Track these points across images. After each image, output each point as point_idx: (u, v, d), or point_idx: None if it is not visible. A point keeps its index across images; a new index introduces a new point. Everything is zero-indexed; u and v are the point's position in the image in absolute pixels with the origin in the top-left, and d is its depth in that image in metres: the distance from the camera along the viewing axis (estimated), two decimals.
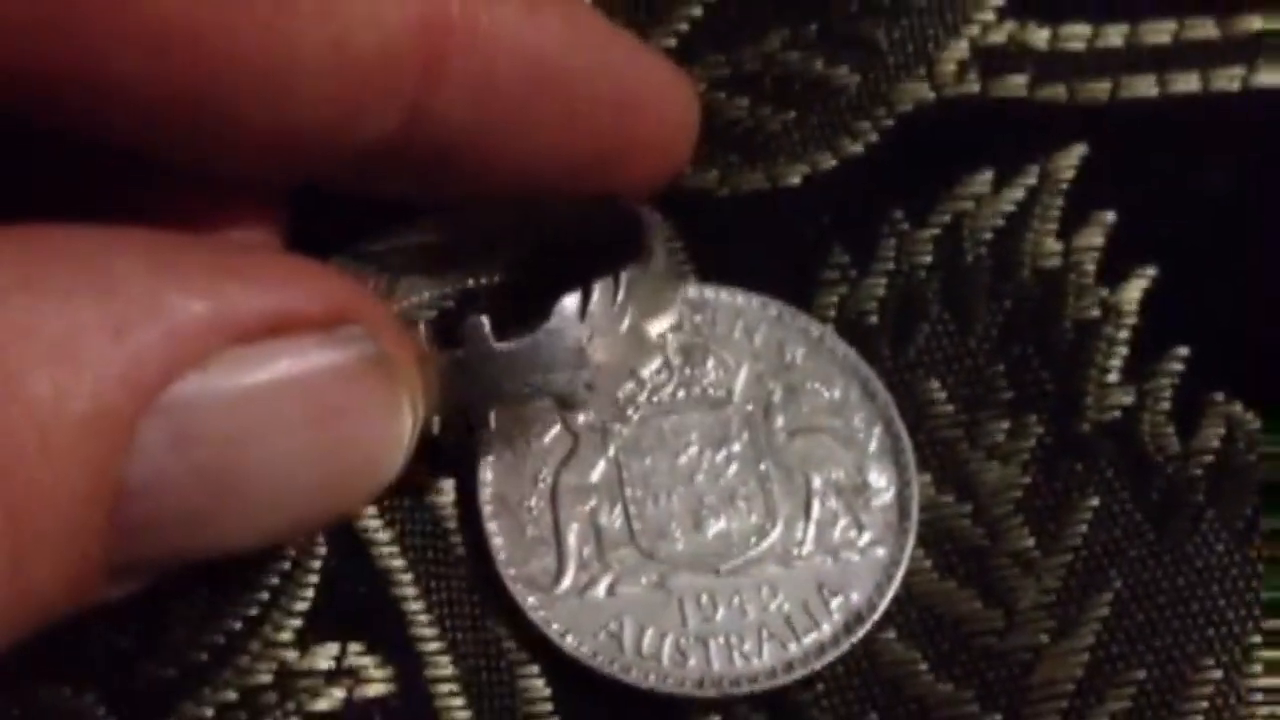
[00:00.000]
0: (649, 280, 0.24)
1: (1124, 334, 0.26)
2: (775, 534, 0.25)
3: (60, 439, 0.18)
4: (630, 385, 0.26)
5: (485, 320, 0.23)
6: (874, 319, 0.27)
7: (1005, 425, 0.26)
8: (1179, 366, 0.26)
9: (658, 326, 0.25)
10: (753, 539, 0.25)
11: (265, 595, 0.25)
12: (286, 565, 0.25)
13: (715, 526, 0.25)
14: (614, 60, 0.24)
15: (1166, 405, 0.26)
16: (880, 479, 0.25)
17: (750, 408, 0.26)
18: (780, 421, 0.26)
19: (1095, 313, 0.26)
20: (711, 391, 0.26)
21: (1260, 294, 0.26)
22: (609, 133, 0.24)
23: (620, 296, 0.24)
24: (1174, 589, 0.25)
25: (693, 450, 0.25)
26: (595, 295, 0.23)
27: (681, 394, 0.26)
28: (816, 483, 0.25)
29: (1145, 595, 0.25)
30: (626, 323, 0.24)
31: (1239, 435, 0.26)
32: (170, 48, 0.20)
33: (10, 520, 0.17)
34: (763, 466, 0.25)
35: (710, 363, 0.26)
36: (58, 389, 0.18)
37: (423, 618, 0.25)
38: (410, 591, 0.25)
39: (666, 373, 0.26)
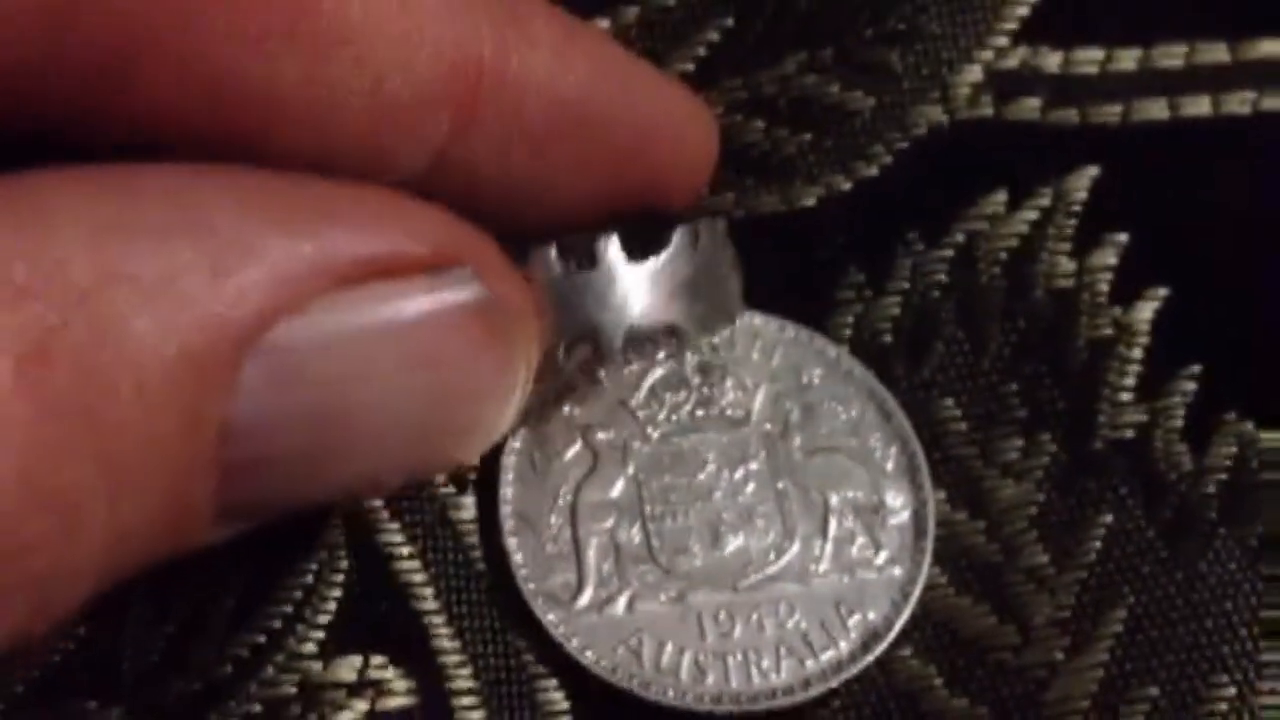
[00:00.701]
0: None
1: (1136, 353, 0.27)
2: (793, 552, 0.25)
3: (156, 381, 0.18)
4: (650, 405, 0.26)
5: (615, 238, 0.23)
6: (889, 338, 0.27)
7: (1019, 443, 0.26)
8: (1191, 385, 0.26)
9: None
10: (770, 556, 0.25)
11: (289, 608, 0.25)
12: (309, 578, 0.25)
13: (733, 544, 0.25)
14: (637, 95, 0.25)
15: (1179, 423, 0.26)
16: (896, 498, 0.26)
17: (768, 427, 0.26)
18: (798, 441, 0.26)
19: (1108, 332, 0.27)
20: (730, 411, 0.26)
21: (1271, 313, 0.27)
22: (632, 165, 0.25)
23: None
24: (1187, 606, 0.25)
25: (711, 469, 0.26)
26: (702, 231, 0.24)
27: (700, 413, 0.26)
28: (834, 501, 0.26)
29: (1158, 612, 0.25)
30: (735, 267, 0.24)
31: (1250, 454, 0.26)
32: (220, 95, 0.20)
33: (102, 464, 0.17)
34: (780, 485, 0.26)
35: (729, 383, 0.26)
36: (153, 331, 0.17)
37: (444, 630, 0.25)
38: (432, 605, 0.25)
39: (685, 392, 0.26)
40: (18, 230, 0.17)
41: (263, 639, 0.25)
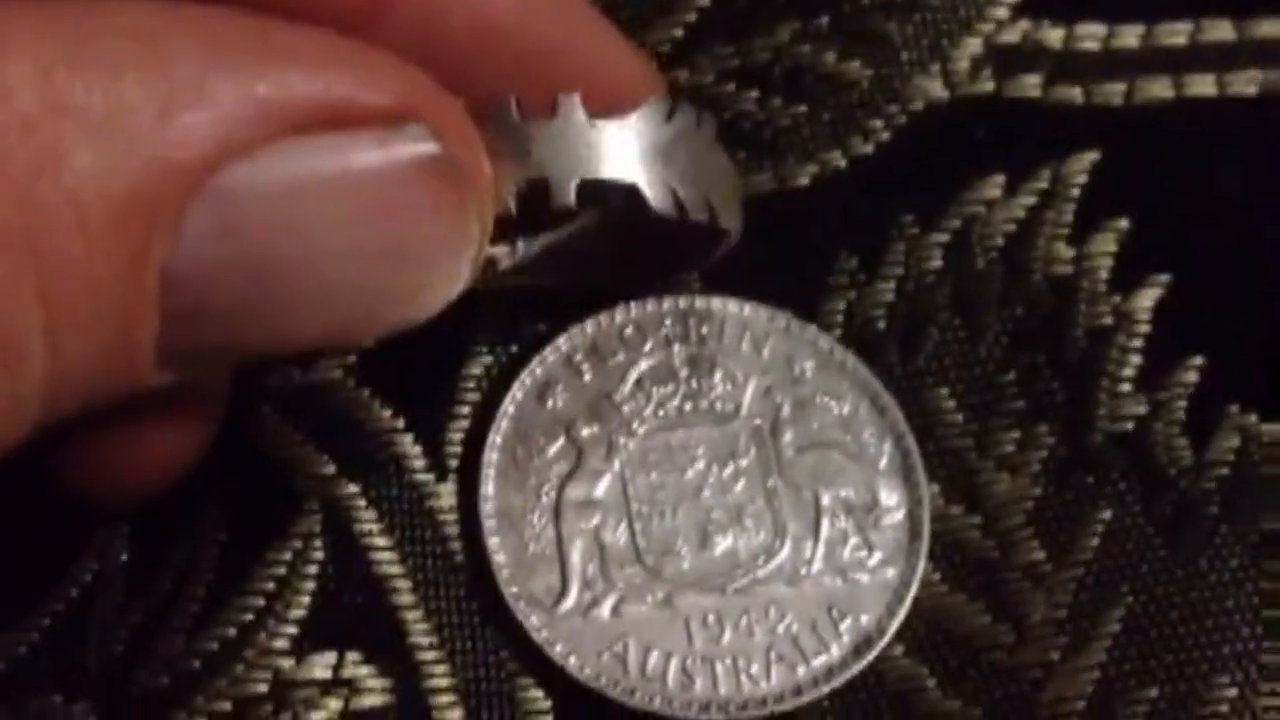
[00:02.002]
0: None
1: (1136, 343, 0.26)
2: (783, 553, 0.25)
3: (98, 218, 0.17)
4: (636, 399, 0.25)
5: (577, 95, 0.22)
6: (882, 325, 0.26)
7: (1016, 435, 0.26)
8: (1193, 376, 0.26)
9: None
10: (760, 558, 0.25)
11: (261, 601, 0.24)
12: (283, 569, 0.25)
13: (722, 544, 0.25)
14: (574, 33, 0.24)
15: (1180, 416, 0.25)
16: (891, 497, 0.25)
17: (758, 422, 0.25)
18: (789, 437, 0.25)
19: (1108, 321, 0.26)
20: (719, 406, 0.25)
21: (1276, 302, 0.26)
22: (555, 86, 0.23)
23: (704, 127, 0.23)
24: (1187, 604, 0.24)
25: (699, 466, 0.25)
26: (678, 112, 0.23)
27: (688, 407, 0.25)
28: (826, 500, 0.25)
29: (1157, 611, 0.24)
30: (712, 150, 0.23)
31: (1253, 448, 0.25)
32: None
33: (44, 299, 0.17)
34: (771, 483, 0.25)
35: (718, 375, 0.26)
36: (96, 167, 0.17)
37: (420, 626, 0.24)
38: (408, 599, 0.25)
39: (673, 385, 0.25)
40: None
41: (233, 633, 0.24)
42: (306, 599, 0.24)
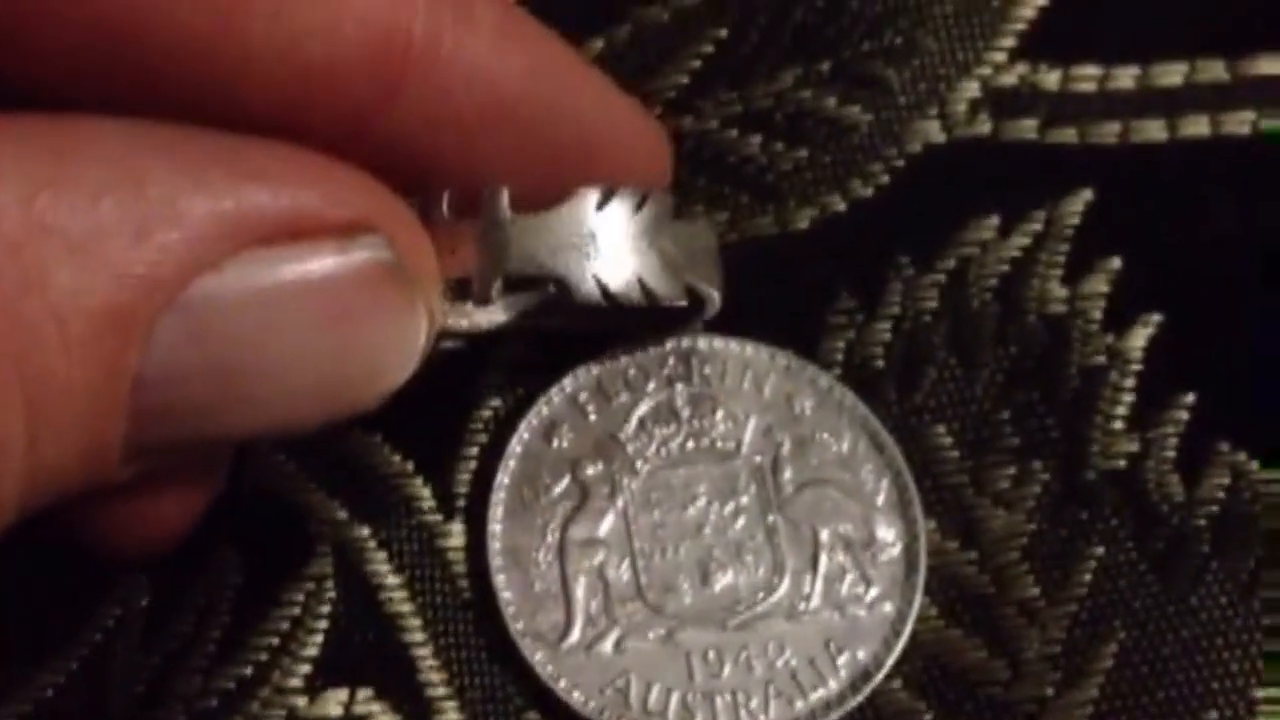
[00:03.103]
0: (677, 220, 0.24)
1: (1129, 381, 0.26)
2: (783, 588, 0.25)
3: (78, 331, 0.18)
4: (640, 438, 0.26)
5: (504, 190, 0.23)
6: (880, 364, 0.27)
7: (1011, 472, 0.26)
8: (1184, 414, 0.26)
9: (699, 276, 0.25)
10: (760, 594, 0.25)
11: (275, 641, 0.25)
12: (297, 610, 0.25)
13: (723, 580, 0.25)
14: (579, 98, 0.24)
15: (1171, 454, 0.26)
16: (888, 533, 0.25)
17: (759, 460, 0.26)
18: (788, 474, 0.26)
19: (1101, 359, 0.26)
20: (720, 444, 0.26)
21: (1267, 342, 0.26)
22: (571, 169, 0.24)
23: (646, 210, 0.24)
24: (1178, 641, 0.25)
25: (701, 503, 0.25)
26: (615, 198, 0.23)
27: (690, 445, 0.26)
28: (824, 536, 0.25)
29: (1149, 647, 0.25)
30: (646, 235, 0.24)
31: (1243, 485, 0.26)
32: (121, 39, 0.20)
33: (27, 403, 0.18)
34: (771, 520, 0.25)
35: (719, 414, 0.26)
36: (78, 286, 0.18)
37: (430, 663, 0.25)
38: (419, 636, 0.25)
39: (675, 425, 0.26)
40: None
41: (249, 671, 0.25)
42: (319, 638, 0.25)
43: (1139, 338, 0.26)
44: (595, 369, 0.26)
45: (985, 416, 0.26)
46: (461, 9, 0.23)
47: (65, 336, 0.18)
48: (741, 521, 0.25)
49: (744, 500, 0.26)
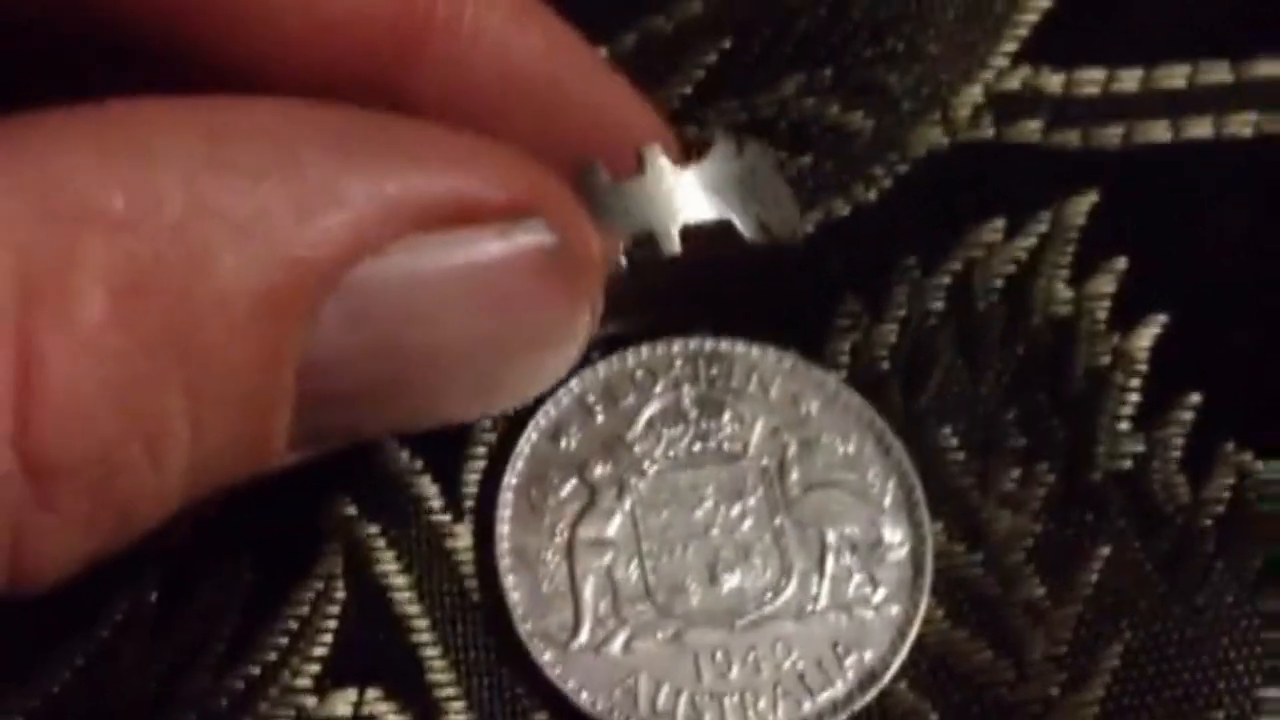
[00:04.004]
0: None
1: (1135, 381, 0.26)
2: (790, 590, 0.25)
3: (242, 315, 0.18)
4: (647, 439, 0.26)
5: (659, 146, 0.23)
6: (886, 366, 0.27)
7: (1017, 473, 0.26)
8: (1190, 415, 0.26)
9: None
10: (768, 595, 0.25)
11: (284, 640, 0.25)
12: (306, 609, 0.25)
13: (730, 582, 0.25)
14: (590, 83, 0.25)
15: (1177, 454, 0.26)
16: (895, 534, 0.25)
17: (765, 462, 0.26)
18: (795, 476, 0.26)
19: (1106, 360, 0.26)
20: (727, 446, 0.26)
21: (1273, 341, 0.27)
22: (578, 147, 0.24)
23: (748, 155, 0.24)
24: (1183, 641, 0.25)
25: (708, 505, 0.26)
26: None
27: (698, 447, 0.26)
28: (831, 538, 0.25)
29: (1155, 647, 0.25)
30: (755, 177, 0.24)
31: (1249, 485, 0.26)
32: None
33: (190, 393, 0.18)
34: (778, 521, 0.26)
35: (726, 416, 0.26)
36: (240, 268, 0.18)
37: (439, 663, 0.25)
38: (427, 637, 0.25)
39: (683, 426, 0.26)
40: (120, 160, 0.18)
41: (258, 671, 0.25)
42: (329, 638, 0.25)
43: (1145, 338, 0.27)
44: (603, 370, 0.26)
45: (991, 418, 0.26)
46: None
47: (229, 320, 0.18)
48: (749, 523, 0.25)
49: (751, 502, 0.26)
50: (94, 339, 0.17)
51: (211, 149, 0.19)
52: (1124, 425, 0.26)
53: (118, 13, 0.21)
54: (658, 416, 0.26)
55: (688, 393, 0.26)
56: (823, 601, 0.25)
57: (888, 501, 0.26)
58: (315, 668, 0.25)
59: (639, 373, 0.26)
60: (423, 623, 0.25)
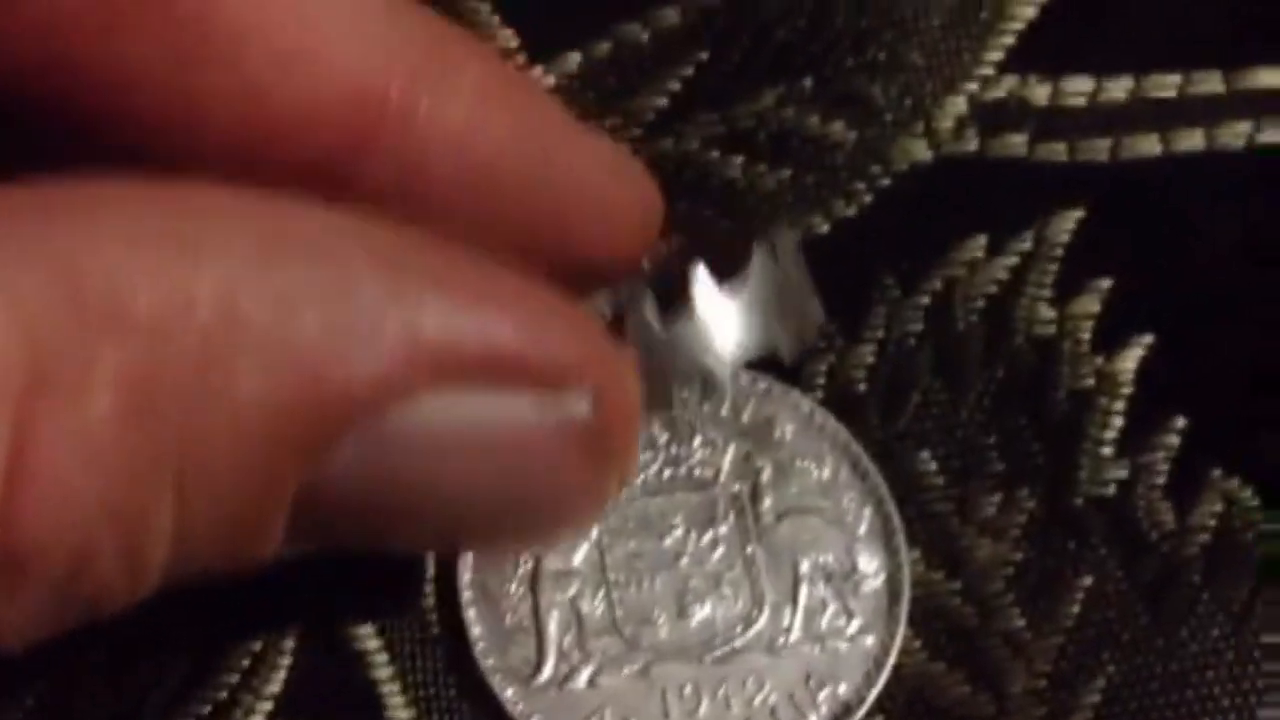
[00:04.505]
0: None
1: (1119, 405, 0.26)
2: (762, 621, 0.24)
3: (251, 434, 0.18)
4: None
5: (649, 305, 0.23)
6: (863, 387, 0.26)
7: (997, 499, 0.25)
8: (1175, 439, 0.25)
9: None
10: (739, 627, 0.24)
11: (235, 678, 0.24)
12: (258, 646, 0.25)
13: (700, 613, 0.24)
14: (561, 159, 0.23)
15: (1162, 480, 0.25)
16: (870, 563, 0.25)
17: (737, 488, 0.25)
18: (768, 503, 0.25)
19: (1090, 382, 0.26)
20: (698, 472, 0.25)
21: (1262, 364, 0.26)
22: (550, 230, 0.23)
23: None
24: (1167, 675, 0.24)
25: (678, 533, 0.25)
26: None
27: (668, 474, 0.25)
28: (804, 567, 0.25)
29: (1138, 681, 0.24)
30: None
31: (1236, 513, 0.25)
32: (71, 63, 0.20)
33: (181, 497, 0.18)
34: (749, 550, 0.25)
35: (697, 441, 0.25)
36: (261, 387, 0.17)
37: (398, 700, 0.24)
38: (385, 673, 0.24)
39: (652, 452, 0.25)
40: (159, 252, 0.17)
41: (208, 710, 0.24)
42: (282, 674, 0.24)
43: (1129, 360, 0.26)
44: None
45: (971, 442, 0.26)
46: (446, 70, 0.22)
47: (237, 439, 0.18)
48: (719, 552, 0.25)
49: (722, 530, 0.25)
50: (93, 436, 0.17)
51: (260, 256, 0.18)
52: (1107, 450, 0.25)
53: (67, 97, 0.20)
54: None
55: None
56: (795, 633, 0.24)
57: (863, 529, 0.25)
58: (268, 705, 0.24)
59: None
60: (381, 658, 0.24)
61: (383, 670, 0.24)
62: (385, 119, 0.21)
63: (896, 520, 0.25)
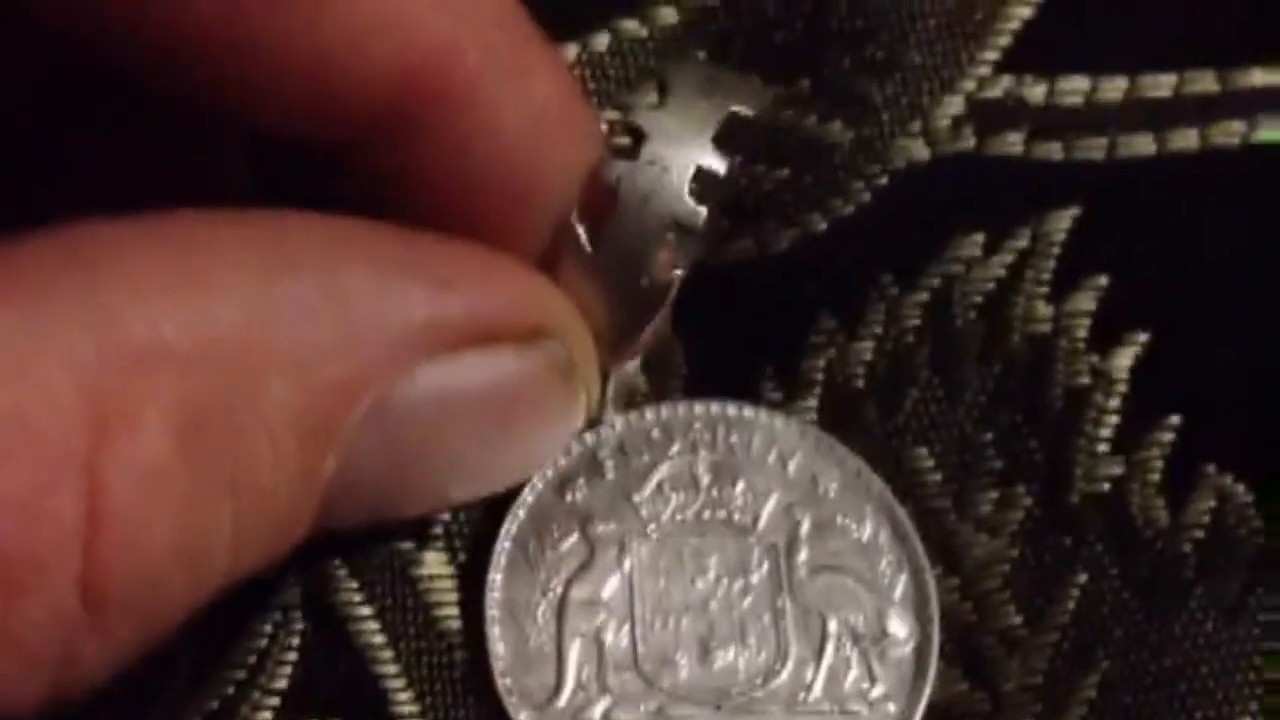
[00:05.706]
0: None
1: (1114, 402, 0.26)
2: (784, 675, 0.24)
3: (286, 441, 0.20)
4: (655, 502, 0.25)
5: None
6: (861, 384, 0.26)
7: (994, 496, 0.26)
8: (1169, 436, 0.26)
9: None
10: (760, 678, 0.24)
11: (242, 674, 0.25)
12: (264, 642, 0.25)
13: (722, 660, 0.24)
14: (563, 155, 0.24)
15: (1156, 477, 0.26)
16: (901, 629, 0.25)
17: (775, 538, 0.25)
18: (804, 556, 0.25)
19: (1085, 380, 0.26)
20: (737, 518, 0.25)
21: (1256, 361, 0.26)
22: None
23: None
24: (1161, 670, 0.25)
25: (710, 576, 0.25)
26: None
27: (706, 516, 0.25)
28: (833, 625, 0.25)
29: (1133, 677, 0.25)
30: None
31: (1230, 509, 0.26)
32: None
33: (236, 517, 0.20)
34: (780, 602, 0.25)
35: (739, 487, 0.25)
36: (287, 397, 0.20)
37: (404, 695, 0.25)
38: (391, 668, 0.25)
39: (694, 492, 0.25)
40: (183, 292, 0.19)
41: (216, 705, 0.24)
42: (289, 669, 0.25)
43: (1125, 357, 0.26)
44: (619, 425, 0.25)
45: (968, 439, 0.26)
46: (515, 73, 0.22)
47: (276, 449, 0.20)
48: (749, 600, 0.25)
49: (754, 579, 0.25)
50: (158, 476, 0.18)
51: (267, 282, 0.20)
52: (1102, 447, 0.26)
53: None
54: (669, 479, 0.25)
55: (703, 458, 0.25)
56: (816, 692, 0.24)
57: (897, 594, 0.25)
58: (275, 700, 0.24)
59: (655, 431, 0.25)
60: (387, 653, 0.25)
61: (389, 665, 0.25)
62: (445, 103, 0.22)
63: (932, 588, 0.25)
